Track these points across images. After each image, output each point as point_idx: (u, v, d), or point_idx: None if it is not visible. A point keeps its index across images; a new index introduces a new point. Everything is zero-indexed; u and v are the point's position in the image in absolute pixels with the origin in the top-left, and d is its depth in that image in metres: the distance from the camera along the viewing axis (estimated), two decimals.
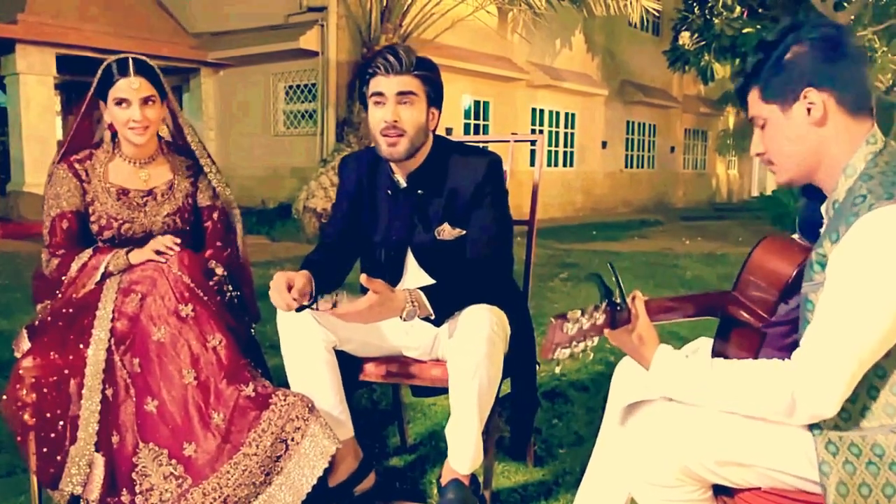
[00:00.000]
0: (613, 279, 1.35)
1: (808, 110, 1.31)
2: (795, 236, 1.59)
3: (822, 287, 1.25)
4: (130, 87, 2.09)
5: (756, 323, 1.47)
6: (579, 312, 1.29)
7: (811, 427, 1.27)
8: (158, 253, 2.09)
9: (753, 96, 1.38)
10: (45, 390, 1.93)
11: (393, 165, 2.07)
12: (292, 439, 1.91)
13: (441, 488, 1.99)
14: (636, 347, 1.38)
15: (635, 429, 1.39)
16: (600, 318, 1.32)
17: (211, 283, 2.11)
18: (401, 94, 1.95)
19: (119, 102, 2.09)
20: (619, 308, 1.34)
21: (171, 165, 2.26)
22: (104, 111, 2.14)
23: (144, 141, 2.15)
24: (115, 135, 2.19)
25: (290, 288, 1.87)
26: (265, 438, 1.89)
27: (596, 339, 1.33)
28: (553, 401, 3.14)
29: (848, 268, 1.21)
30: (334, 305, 1.82)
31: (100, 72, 2.12)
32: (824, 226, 1.35)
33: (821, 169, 1.34)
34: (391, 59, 1.94)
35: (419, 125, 1.98)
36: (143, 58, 2.15)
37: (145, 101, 2.10)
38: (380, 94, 1.96)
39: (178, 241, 2.11)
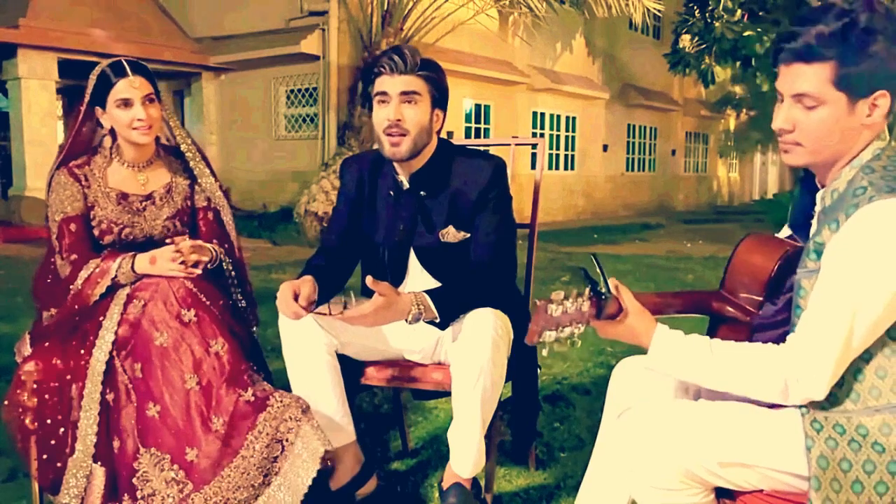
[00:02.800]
0: (598, 270, 1.35)
1: (870, 110, 1.27)
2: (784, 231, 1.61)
3: (816, 274, 1.27)
4: (131, 86, 2.07)
5: (743, 317, 1.49)
6: (562, 294, 1.29)
7: (799, 408, 1.29)
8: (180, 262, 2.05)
9: (819, 72, 1.26)
10: (46, 395, 1.93)
11: (396, 166, 2.07)
12: (287, 440, 1.90)
13: (443, 492, 1.99)
14: (630, 337, 1.39)
15: (636, 432, 1.39)
16: (585, 305, 1.32)
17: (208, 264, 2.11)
18: (404, 93, 1.96)
19: (121, 104, 2.08)
20: (603, 297, 1.34)
21: (168, 168, 2.25)
22: (101, 117, 2.13)
23: (149, 141, 2.15)
24: (113, 140, 2.18)
25: (296, 297, 1.87)
26: (261, 440, 1.89)
27: (582, 327, 1.33)
28: (554, 404, 3.14)
29: (843, 258, 1.22)
30: (345, 307, 1.82)
31: (94, 77, 2.10)
32: (817, 213, 1.36)
33: (842, 160, 1.33)
34: (396, 58, 1.96)
35: (422, 125, 1.99)
36: (134, 58, 2.15)
37: (146, 99, 2.10)
38: (384, 93, 1.97)
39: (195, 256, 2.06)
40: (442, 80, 2.04)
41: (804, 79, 1.28)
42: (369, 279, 1.79)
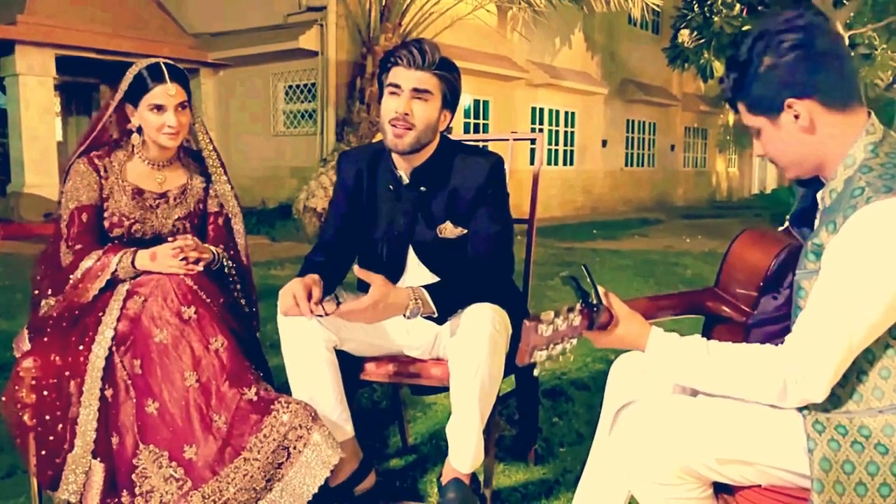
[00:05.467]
0: (588, 280, 1.33)
1: (796, 118, 1.31)
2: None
3: (816, 275, 1.26)
4: (167, 93, 2.08)
5: (738, 317, 1.48)
6: (552, 314, 1.26)
7: (800, 409, 1.29)
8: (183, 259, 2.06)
9: (741, 108, 1.39)
10: (44, 392, 1.93)
11: (396, 161, 2.07)
12: (294, 447, 1.90)
13: (441, 487, 1.99)
14: (624, 344, 1.39)
15: (634, 427, 1.39)
16: (576, 318, 1.30)
17: (210, 264, 2.11)
18: (416, 90, 1.95)
19: (154, 108, 2.08)
20: (595, 309, 1.33)
21: (186, 170, 2.27)
22: (131, 115, 2.13)
23: (175, 144, 2.17)
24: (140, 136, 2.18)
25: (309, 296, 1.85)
26: (267, 445, 1.88)
27: (574, 341, 1.32)
28: (554, 399, 3.14)
29: (843, 259, 1.22)
30: (338, 304, 1.81)
31: (130, 76, 2.11)
32: (819, 214, 1.36)
33: (826, 164, 1.34)
34: (414, 52, 1.94)
35: (429, 123, 1.99)
36: (171, 62, 2.15)
37: (179, 106, 2.11)
38: (396, 85, 1.96)
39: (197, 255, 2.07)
40: (456, 81, 2.03)
41: (741, 114, 1.40)
42: (357, 269, 1.78)
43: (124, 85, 2.11)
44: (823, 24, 1.33)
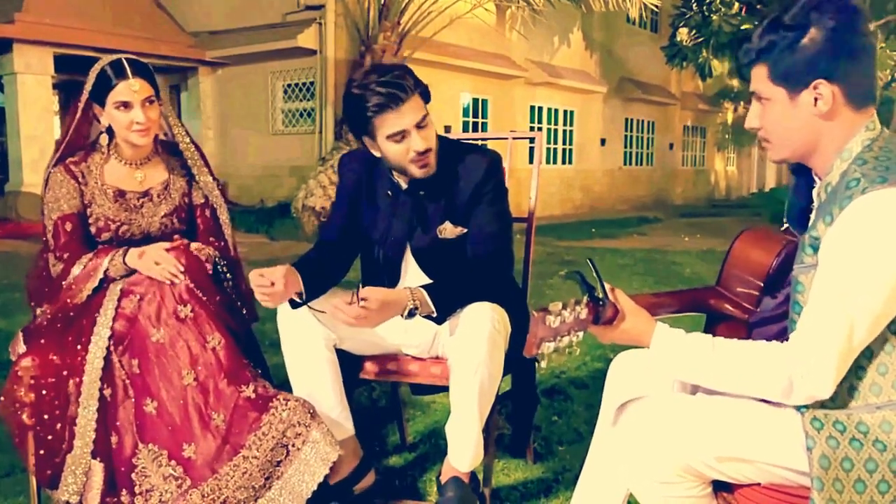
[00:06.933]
0: (594, 275, 1.34)
1: (815, 101, 1.29)
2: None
3: (814, 269, 1.26)
4: (131, 89, 2.05)
5: (741, 315, 1.48)
6: (560, 305, 1.27)
7: (798, 406, 1.28)
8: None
9: (760, 72, 1.34)
10: (43, 391, 1.93)
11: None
12: (293, 445, 1.90)
13: (441, 486, 1.99)
14: (629, 340, 1.38)
15: (633, 426, 1.39)
16: (583, 311, 1.31)
17: (204, 260, 2.10)
18: (419, 122, 1.91)
19: (120, 106, 2.05)
20: (601, 303, 1.33)
21: (165, 165, 2.24)
22: (100, 115, 2.11)
23: (147, 142, 2.13)
24: (110, 137, 2.16)
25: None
26: (265, 442, 1.88)
27: (581, 334, 1.32)
28: (553, 398, 3.14)
29: (840, 251, 1.22)
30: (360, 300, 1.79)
31: (93, 76, 2.07)
32: (815, 209, 1.36)
33: (817, 153, 1.34)
34: (397, 92, 1.86)
35: (435, 135, 1.98)
36: (135, 57, 2.12)
37: (146, 101, 2.08)
38: (400, 132, 1.89)
39: (182, 269, 2.03)
40: (421, 80, 1.97)
41: (754, 78, 1.35)
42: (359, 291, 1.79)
43: (88, 84, 2.08)
44: (865, 19, 1.32)
